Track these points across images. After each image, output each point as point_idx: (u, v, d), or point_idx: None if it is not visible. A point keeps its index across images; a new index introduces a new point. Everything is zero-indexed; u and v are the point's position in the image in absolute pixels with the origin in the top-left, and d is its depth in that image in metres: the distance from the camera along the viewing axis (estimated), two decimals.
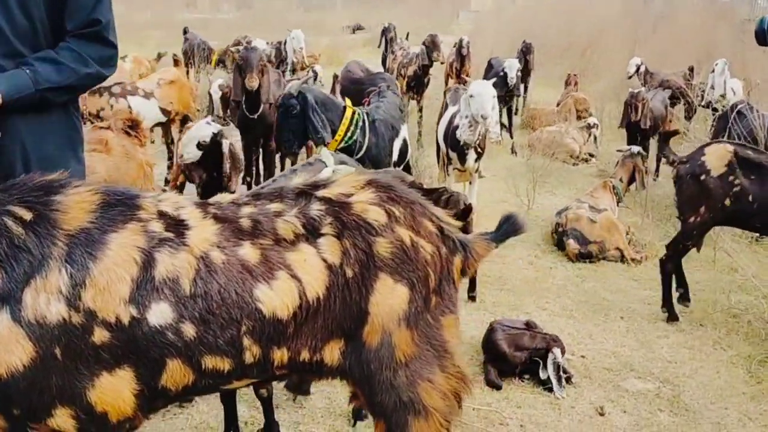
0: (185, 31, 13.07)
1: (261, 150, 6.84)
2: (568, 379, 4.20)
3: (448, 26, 26.24)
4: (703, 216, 4.89)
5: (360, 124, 5.28)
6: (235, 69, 5.77)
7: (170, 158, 7.64)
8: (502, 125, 10.85)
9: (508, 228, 2.45)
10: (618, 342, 4.83)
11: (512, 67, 9.64)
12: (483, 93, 5.52)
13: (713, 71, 9.77)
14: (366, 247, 2.13)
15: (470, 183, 6.29)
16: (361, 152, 5.16)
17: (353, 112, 5.31)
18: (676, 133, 5.48)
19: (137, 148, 4.16)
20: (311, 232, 2.11)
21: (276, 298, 2.03)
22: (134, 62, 9.24)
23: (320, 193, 2.19)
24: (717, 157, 4.85)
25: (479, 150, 5.97)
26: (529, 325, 4.37)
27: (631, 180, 7.22)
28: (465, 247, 2.36)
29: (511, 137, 10.49)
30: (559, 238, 6.46)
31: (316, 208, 2.15)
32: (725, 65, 9.38)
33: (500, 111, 10.66)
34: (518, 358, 4.12)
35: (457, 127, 5.89)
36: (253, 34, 15.29)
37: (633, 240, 6.77)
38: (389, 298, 2.15)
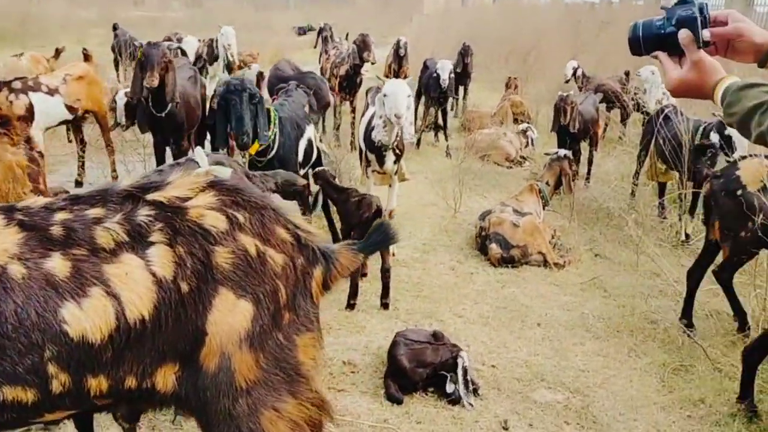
0: (115, 28, 12.62)
1: (175, 150, 6.52)
2: (475, 391, 4.03)
3: (401, 29, 26.11)
4: (753, 230, 4.44)
5: (277, 123, 5.03)
6: (137, 65, 5.45)
7: (81, 159, 7.25)
8: (438, 127, 10.74)
9: (377, 238, 2.25)
10: (532, 350, 4.69)
11: (445, 69, 9.50)
12: (397, 92, 5.32)
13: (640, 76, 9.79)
14: (203, 257, 1.90)
15: (390, 186, 6.09)
16: (272, 152, 4.91)
17: (269, 111, 5.07)
18: None
19: (7, 148, 3.82)
20: (138, 241, 1.87)
21: (86, 320, 1.77)
22: (32, 60, 8.70)
23: (151, 196, 1.95)
24: (751, 172, 4.56)
25: (397, 152, 5.77)
26: (436, 337, 4.18)
27: (558, 183, 7.12)
28: (327, 258, 2.14)
29: (446, 140, 10.34)
30: (482, 242, 6.31)
31: (144, 214, 1.90)
32: (652, 73, 9.39)
33: (435, 113, 10.57)
34: (419, 375, 3.92)
35: (374, 128, 5.69)
36: (201, 33, 14.84)
37: (558, 244, 6.67)
38: (229, 315, 1.92)
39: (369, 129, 5.78)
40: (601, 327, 5.12)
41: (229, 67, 11.86)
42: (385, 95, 5.38)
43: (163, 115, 5.83)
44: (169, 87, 5.49)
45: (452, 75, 9.70)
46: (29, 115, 6.34)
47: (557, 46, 18.52)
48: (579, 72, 11.58)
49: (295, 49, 21.88)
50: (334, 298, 5.02)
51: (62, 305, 1.75)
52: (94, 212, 1.88)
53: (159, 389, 1.93)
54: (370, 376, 4.10)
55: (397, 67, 11.42)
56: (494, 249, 6.12)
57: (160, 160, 6.27)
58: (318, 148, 5.66)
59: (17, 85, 6.32)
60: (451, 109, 12.89)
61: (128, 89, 6.33)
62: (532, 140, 10.02)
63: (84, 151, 7.25)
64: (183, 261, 1.87)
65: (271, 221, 2.04)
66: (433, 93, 9.74)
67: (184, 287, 1.87)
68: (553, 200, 7.28)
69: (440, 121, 10.73)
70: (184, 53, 8.07)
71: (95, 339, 1.78)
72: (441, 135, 10.73)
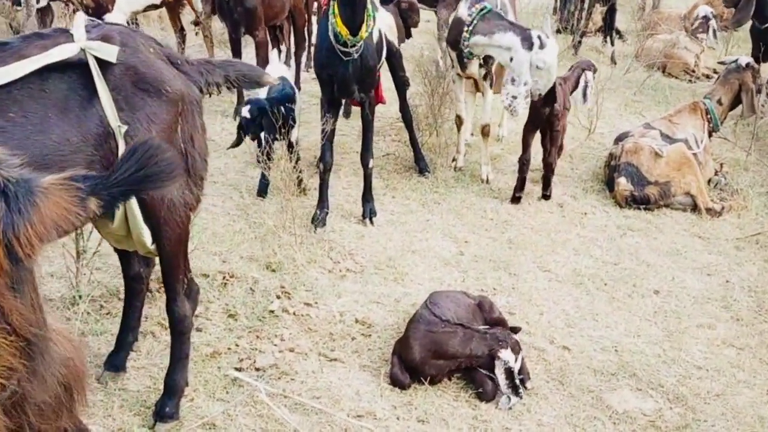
0: None
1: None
2: (522, 383, 2.89)
3: None
4: None
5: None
6: None
7: (180, 50, 6.65)
8: (614, 30, 8.96)
9: (129, 170, 1.21)
10: (632, 329, 3.40)
11: None
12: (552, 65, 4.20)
13: None
14: None
15: (483, 95, 4.81)
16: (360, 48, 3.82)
17: None
18: None
19: None
20: None
21: None
22: None
23: None
24: None
25: None
26: (481, 308, 3.05)
27: (736, 102, 5.37)
28: (15, 200, 1.15)
29: (612, 44, 8.61)
30: (610, 174, 4.90)
31: None
32: None
33: (605, 13, 8.88)
34: (436, 369, 2.82)
35: (460, 21, 4.40)
36: None
37: (721, 183, 5.07)
38: None
39: (455, 18, 4.53)
40: (749, 305, 3.68)
41: None
42: (538, 67, 4.13)
43: None
44: None
45: None
46: None
47: None
48: None
49: None
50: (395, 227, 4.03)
51: None
52: None
53: None
54: (383, 343, 3.09)
55: None
56: (622, 184, 4.70)
57: (236, 52, 5.48)
58: (390, 44, 4.49)
59: None
60: (639, 10, 10.88)
61: None
62: (713, 30, 7.98)
63: (183, 42, 6.65)
64: None
65: None
66: None
67: None
68: (726, 124, 5.58)
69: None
70: None
71: None
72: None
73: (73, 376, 1.39)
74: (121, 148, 2.09)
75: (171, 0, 6.20)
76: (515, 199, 4.59)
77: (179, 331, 2.44)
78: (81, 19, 2.10)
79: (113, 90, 2.08)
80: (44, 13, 6.25)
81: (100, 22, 2.23)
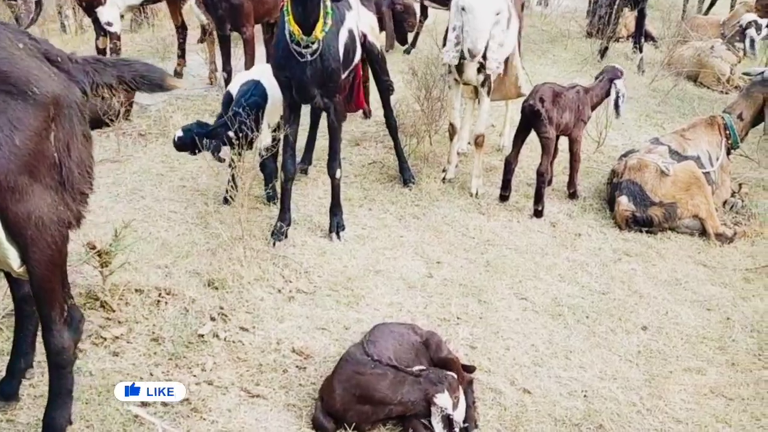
0: None
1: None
2: None
3: None
4: None
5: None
6: None
7: (181, 47, 6.40)
8: (643, 36, 8.48)
9: None
10: (609, 371, 3.02)
11: None
12: (474, 8, 3.85)
13: None
14: None
15: (478, 103, 4.46)
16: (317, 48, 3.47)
17: None
18: None
19: None
20: None
21: None
22: None
23: None
24: None
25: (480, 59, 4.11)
26: (428, 347, 2.71)
27: (759, 118, 4.90)
28: None
29: (640, 51, 8.13)
30: (611, 192, 4.49)
31: None
32: None
33: (638, 21, 8.43)
34: (361, 416, 2.48)
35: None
36: None
37: (736, 206, 4.63)
38: None
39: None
40: (748, 347, 3.28)
41: None
42: (463, 8, 3.82)
43: None
44: None
45: None
46: None
47: None
48: None
49: None
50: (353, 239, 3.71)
51: None
52: None
53: None
54: (318, 378, 2.76)
55: None
56: (623, 203, 4.29)
57: (224, 50, 5.21)
58: (371, 46, 4.15)
59: None
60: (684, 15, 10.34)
61: None
62: (751, 41, 7.43)
63: (184, 38, 6.40)
64: None
65: None
66: None
67: None
68: (749, 141, 5.13)
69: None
70: None
71: None
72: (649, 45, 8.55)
73: None
74: None
75: None
76: (502, 198, 4.49)
77: (57, 365, 2.16)
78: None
79: None
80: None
81: None
